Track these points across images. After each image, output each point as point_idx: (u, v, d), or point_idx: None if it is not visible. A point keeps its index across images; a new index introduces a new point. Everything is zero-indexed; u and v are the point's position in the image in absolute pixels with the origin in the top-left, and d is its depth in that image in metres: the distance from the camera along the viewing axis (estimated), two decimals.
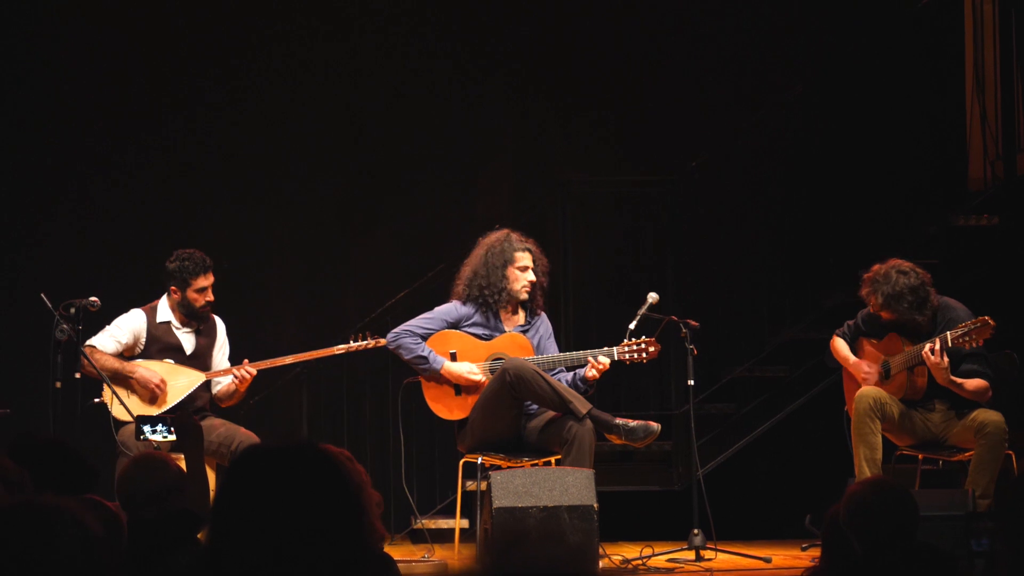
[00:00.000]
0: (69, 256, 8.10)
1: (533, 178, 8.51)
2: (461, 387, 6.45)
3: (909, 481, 6.40)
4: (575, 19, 8.75)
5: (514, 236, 6.53)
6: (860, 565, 3.51)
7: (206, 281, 6.48)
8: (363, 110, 8.57)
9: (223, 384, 6.62)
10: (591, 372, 6.32)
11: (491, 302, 6.45)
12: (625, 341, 6.37)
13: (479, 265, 6.50)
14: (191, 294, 6.47)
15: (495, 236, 6.56)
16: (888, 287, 6.23)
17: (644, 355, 6.36)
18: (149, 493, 3.72)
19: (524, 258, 6.47)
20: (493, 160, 8.68)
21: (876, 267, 6.34)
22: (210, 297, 6.51)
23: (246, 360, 6.53)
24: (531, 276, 6.47)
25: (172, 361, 6.49)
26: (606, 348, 6.34)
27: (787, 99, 8.27)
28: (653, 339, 6.37)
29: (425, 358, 6.44)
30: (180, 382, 6.46)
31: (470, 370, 6.43)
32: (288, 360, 6.60)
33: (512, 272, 6.45)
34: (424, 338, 6.47)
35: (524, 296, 6.49)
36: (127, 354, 6.50)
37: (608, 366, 6.32)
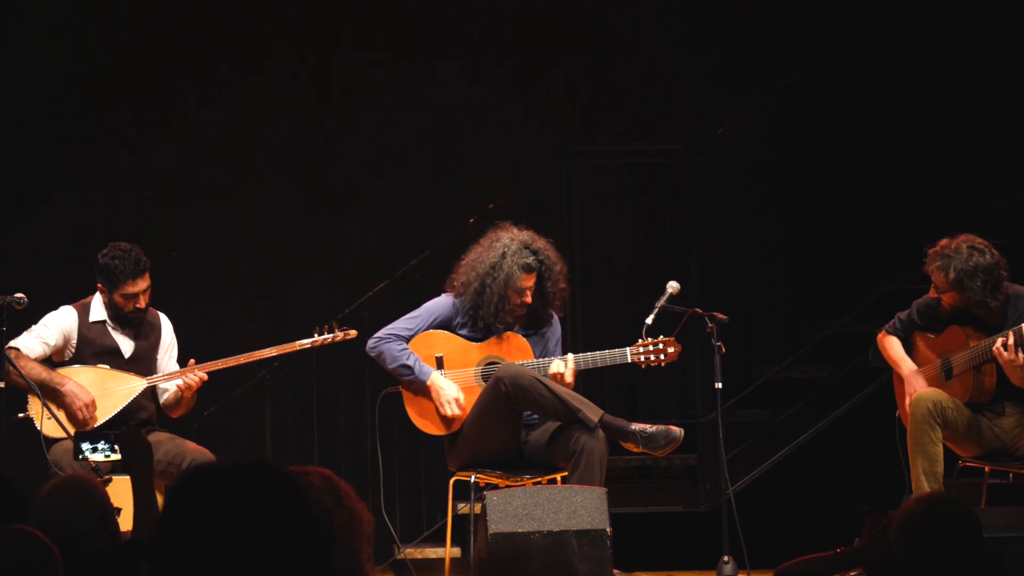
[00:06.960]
0: None
1: (532, 150, 8.47)
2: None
3: (975, 497, 6.39)
4: None
5: (522, 248, 6.36)
6: None
7: (135, 287, 6.39)
8: (333, 80, 8.54)
9: (171, 391, 6.57)
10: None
11: (485, 313, 6.37)
12: (640, 340, 6.33)
13: (475, 279, 6.37)
14: (118, 298, 6.41)
15: (500, 240, 6.41)
16: (960, 262, 6.19)
17: (662, 356, 6.32)
18: (78, 526, 3.66)
19: (528, 280, 6.36)
20: (486, 131, 8.63)
21: (944, 241, 6.30)
22: (140, 304, 6.42)
23: (192, 361, 6.46)
24: (528, 298, 6.38)
25: (108, 367, 6.44)
26: (617, 349, 6.30)
27: (827, 56, 8.22)
28: (672, 338, 6.33)
29: (411, 368, 6.39)
30: (118, 390, 6.40)
31: (456, 397, 6.33)
32: (241, 360, 6.48)
33: (510, 293, 6.36)
34: (409, 340, 6.42)
35: (520, 313, 6.43)
36: (56, 359, 6.44)
37: (565, 375, 6.22)
